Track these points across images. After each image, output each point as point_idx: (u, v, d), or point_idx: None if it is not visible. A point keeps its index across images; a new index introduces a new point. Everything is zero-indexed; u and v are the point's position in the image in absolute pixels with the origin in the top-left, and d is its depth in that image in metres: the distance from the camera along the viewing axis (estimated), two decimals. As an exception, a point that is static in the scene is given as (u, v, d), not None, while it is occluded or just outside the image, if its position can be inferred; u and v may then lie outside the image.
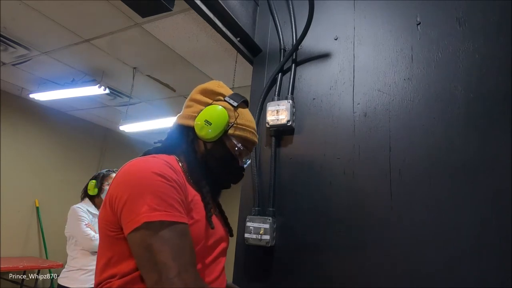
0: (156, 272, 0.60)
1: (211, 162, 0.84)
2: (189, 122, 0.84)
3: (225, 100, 0.87)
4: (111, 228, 0.68)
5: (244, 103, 0.91)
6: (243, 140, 0.86)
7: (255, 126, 0.91)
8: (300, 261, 0.99)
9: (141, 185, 0.65)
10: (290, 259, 1.01)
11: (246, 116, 0.89)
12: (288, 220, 1.05)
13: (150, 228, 0.61)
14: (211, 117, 0.82)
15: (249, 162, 0.94)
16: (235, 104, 0.86)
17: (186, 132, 0.84)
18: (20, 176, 4.06)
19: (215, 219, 0.83)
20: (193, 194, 0.75)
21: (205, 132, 0.82)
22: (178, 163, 0.79)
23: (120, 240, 0.67)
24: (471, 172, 0.82)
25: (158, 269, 0.60)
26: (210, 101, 0.86)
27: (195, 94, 0.89)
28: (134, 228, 0.62)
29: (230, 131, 0.84)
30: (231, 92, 0.91)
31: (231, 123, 0.84)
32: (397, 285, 0.84)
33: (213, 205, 0.84)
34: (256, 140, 0.91)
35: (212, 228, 0.76)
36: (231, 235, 0.91)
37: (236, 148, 0.85)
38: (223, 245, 0.84)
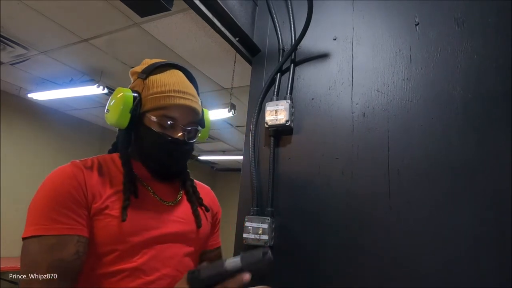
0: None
1: (141, 149, 0.79)
2: None
3: (138, 77, 0.80)
4: None
5: (163, 67, 0.81)
6: (161, 109, 0.77)
7: (175, 87, 0.78)
8: (299, 261, 0.99)
9: (34, 198, 0.68)
10: (288, 259, 1.01)
11: (158, 81, 0.78)
12: (286, 220, 1.05)
13: (24, 244, 0.64)
14: (109, 104, 0.78)
15: (199, 130, 0.83)
16: (144, 76, 0.78)
17: None
18: (18, 176, 4.05)
19: (169, 211, 0.78)
20: (115, 191, 0.72)
21: (110, 122, 0.77)
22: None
23: None
24: (470, 172, 0.82)
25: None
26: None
27: None
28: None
29: (143, 108, 0.77)
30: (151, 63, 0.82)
31: (142, 100, 0.77)
32: (396, 285, 0.84)
33: (168, 193, 0.81)
34: (179, 102, 0.78)
35: (123, 220, 0.69)
36: (198, 226, 0.84)
37: (158, 123, 0.76)
38: (174, 239, 0.78)
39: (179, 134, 0.79)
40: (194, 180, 0.93)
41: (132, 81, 0.84)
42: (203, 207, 0.90)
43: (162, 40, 2.66)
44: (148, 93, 0.77)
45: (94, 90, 3.18)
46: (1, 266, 3.18)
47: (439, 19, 0.96)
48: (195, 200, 0.88)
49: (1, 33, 2.73)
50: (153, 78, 0.79)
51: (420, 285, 0.81)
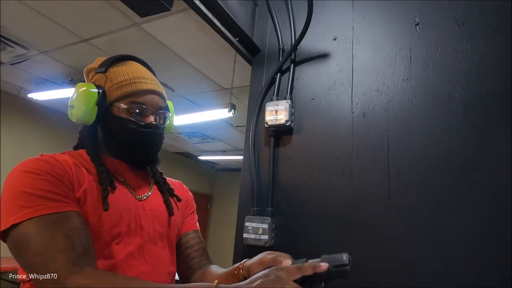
0: (31, 272, 0.58)
1: (113, 141, 0.78)
2: None
3: (96, 73, 0.80)
4: None
5: (121, 59, 0.82)
6: (129, 96, 0.77)
7: (139, 74, 0.80)
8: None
9: (10, 186, 0.63)
10: (288, 259, 1.01)
11: (120, 71, 0.79)
12: (286, 220, 1.05)
13: (18, 229, 0.59)
14: (71, 100, 0.77)
15: (168, 116, 0.85)
16: (103, 69, 0.78)
17: None
18: (18, 176, 4.05)
19: (144, 204, 0.78)
20: (91, 181, 0.71)
21: (75, 118, 0.76)
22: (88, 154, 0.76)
23: None
24: (470, 172, 0.82)
25: (30, 269, 0.58)
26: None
27: None
28: (3, 231, 0.60)
29: (109, 100, 0.77)
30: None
31: (106, 92, 0.77)
32: (396, 285, 0.84)
33: (141, 187, 0.81)
34: (145, 87, 0.79)
35: (105, 210, 0.68)
36: (170, 214, 0.85)
37: (127, 111, 0.77)
38: (150, 233, 0.77)
39: (151, 119, 0.80)
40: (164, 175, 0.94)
41: (90, 78, 0.82)
42: (174, 197, 0.90)
43: (162, 40, 2.66)
44: (112, 83, 0.77)
45: (94, 90, 3.18)
46: (1, 266, 3.18)
47: (439, 19, 0.96)
48: (166, 190, 0.88)
49: (1, 33, 2.73)
50: (114, 69, 0.79)
51: (420, 285, 0.81)
